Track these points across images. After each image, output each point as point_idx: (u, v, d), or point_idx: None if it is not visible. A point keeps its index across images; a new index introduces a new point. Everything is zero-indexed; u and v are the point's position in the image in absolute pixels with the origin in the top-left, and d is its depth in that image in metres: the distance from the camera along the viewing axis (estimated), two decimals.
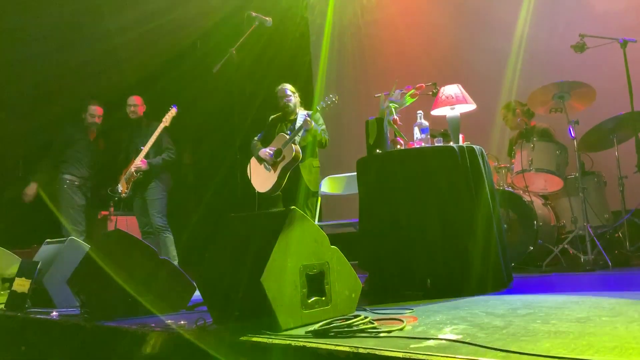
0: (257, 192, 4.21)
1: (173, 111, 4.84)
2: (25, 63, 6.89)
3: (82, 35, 7.15)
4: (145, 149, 4.73)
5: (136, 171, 4.70)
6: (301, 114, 4.34)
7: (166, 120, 4.79)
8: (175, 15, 7.78)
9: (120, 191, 4.75)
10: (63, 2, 7.10)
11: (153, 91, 5.48)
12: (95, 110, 5.18)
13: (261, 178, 4.20)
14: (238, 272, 1.96)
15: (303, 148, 4.24)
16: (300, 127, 4.15)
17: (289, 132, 4.29)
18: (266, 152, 4.23)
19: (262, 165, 4.27)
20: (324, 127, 4.33)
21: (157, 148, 4.83)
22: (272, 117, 4.51)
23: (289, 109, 4.39)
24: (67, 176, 4.92)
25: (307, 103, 4.47)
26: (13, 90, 6.93)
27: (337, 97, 4.25)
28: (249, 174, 4.41)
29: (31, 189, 4.98)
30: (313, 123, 4.14)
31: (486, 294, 2.53)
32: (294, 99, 4.41)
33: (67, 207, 4.85)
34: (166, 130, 4.91)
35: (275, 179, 4.19)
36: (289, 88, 4.42)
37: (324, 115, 4.38)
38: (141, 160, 4.71)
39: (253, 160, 4.43)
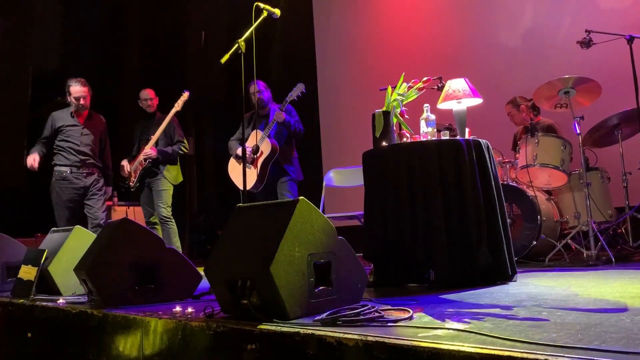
0: (241, 190, 4.25)
1: (185, 95, 4.78)
2: (28, 49, 6.90)
3: (87, 21, 7.16)
4: (156, 136, 4.69)
5: (145, 159, 4.67)
6: (273, 107, 4.42)
7: (178, 105, 4.75)
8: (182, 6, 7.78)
9: (128, 181, 4.75)
10: None
11: (158, 82, 5.48)
12: (79, 92, 4.48)
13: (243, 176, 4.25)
14: (246, 260, 1.97)
15: (279, 140, 4.31)
16: (273, 121, 4.26)
17: (261, 126, 4.36)
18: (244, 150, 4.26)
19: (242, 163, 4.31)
20: (297, 117, 4.42)
21: (168, 140, 4.80)
22: (246, 114, 4.54)
23: (262, 105, 4.47)
24: (56, 168, 4.53)
25: (311, 98, 4.48)
26: (16, 79, 6.95)
27: (304, 85, 4.36)
28: (229, 175, 4.45)
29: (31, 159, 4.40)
30: (284, 115, 4.25)
31: (491, 286, 2.55)
32: (267, 94, 4.50)
33: (54, 201, 4.56)
34: (179, 121, 4.89)
35: (257, 174, 4.23)
36: (260, 84, 4.47)
37: (297, 105, 4.43)
38: (151, 148, 4.68)
39: (232, 161, 4.49)
